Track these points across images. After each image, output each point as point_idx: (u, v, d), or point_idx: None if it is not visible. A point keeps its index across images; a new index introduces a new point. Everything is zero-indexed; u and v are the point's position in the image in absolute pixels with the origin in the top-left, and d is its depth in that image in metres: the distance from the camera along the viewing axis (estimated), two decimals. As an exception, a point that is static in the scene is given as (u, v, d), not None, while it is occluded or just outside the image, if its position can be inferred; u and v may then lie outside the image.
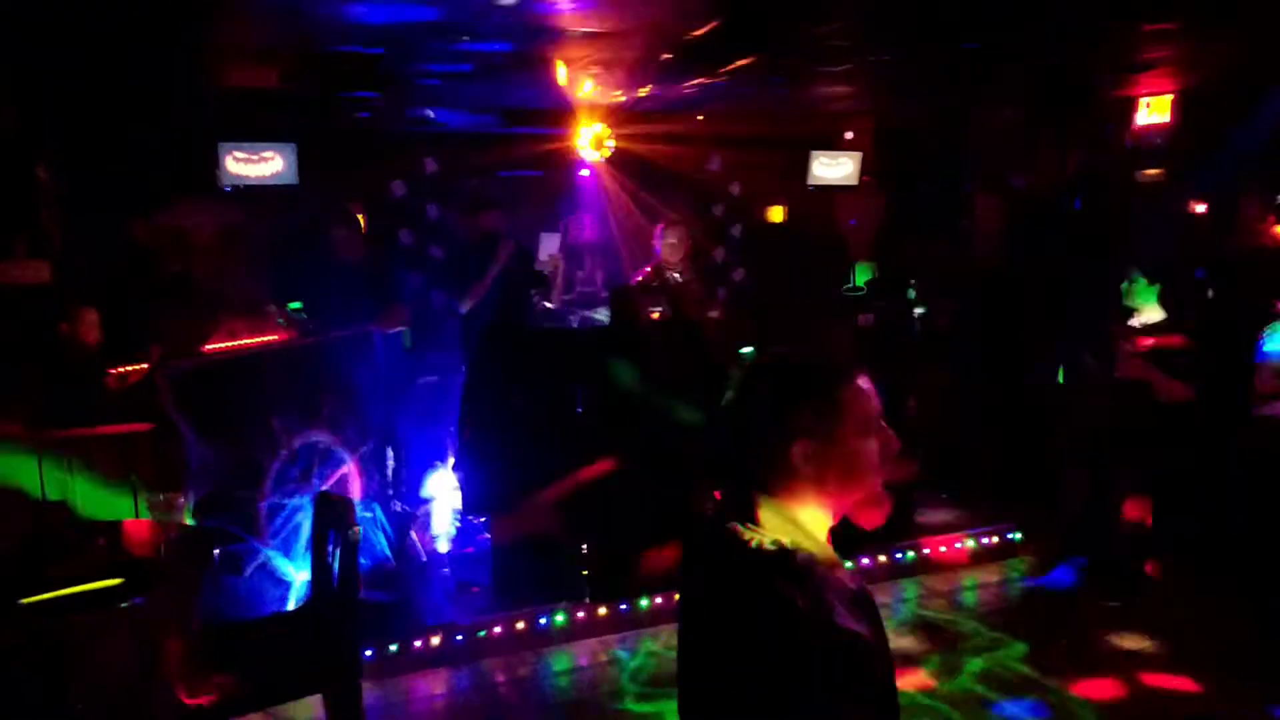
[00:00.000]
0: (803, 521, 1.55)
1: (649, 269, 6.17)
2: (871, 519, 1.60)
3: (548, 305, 6.55)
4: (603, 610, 4.85)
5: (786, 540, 1.51)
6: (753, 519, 1.56)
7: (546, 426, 5.11)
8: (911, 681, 4.29)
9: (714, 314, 6.27)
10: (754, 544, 1.51)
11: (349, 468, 4.84)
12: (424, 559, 5.37)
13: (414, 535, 5.45)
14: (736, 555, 1.53)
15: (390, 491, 5.38)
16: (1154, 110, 7.54)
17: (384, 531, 5.03)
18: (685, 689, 1.64)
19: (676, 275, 5.94)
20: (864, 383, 1.58)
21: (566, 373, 5.18)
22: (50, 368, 4.93)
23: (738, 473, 1.60)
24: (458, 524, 5.83)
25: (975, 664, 4.47)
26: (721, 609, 1.51)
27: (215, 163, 6.51)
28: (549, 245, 6.28)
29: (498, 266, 5.88)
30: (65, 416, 4.40)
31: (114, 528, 3.70)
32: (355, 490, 4.85)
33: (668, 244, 6.01)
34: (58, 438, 4.28)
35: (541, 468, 5.03)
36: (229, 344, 5.40)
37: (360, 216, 7.41)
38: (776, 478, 1.56)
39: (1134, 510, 5.51)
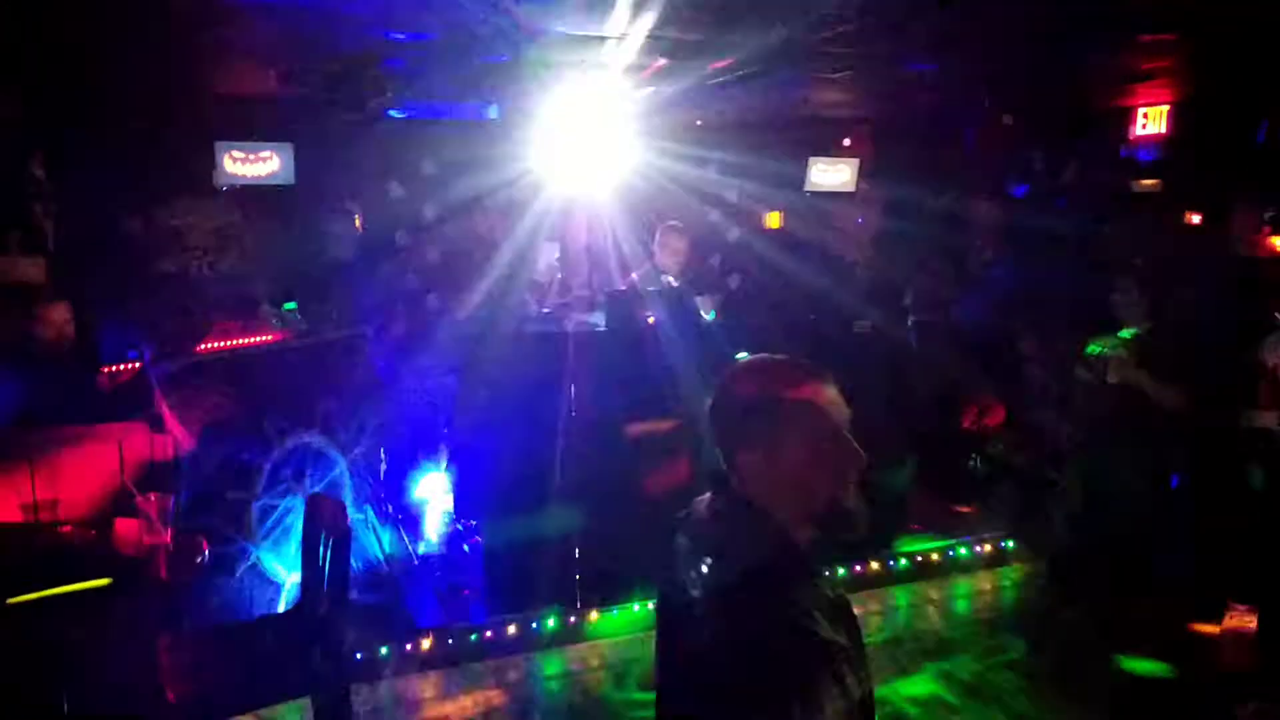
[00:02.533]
0: (778, 527, 1.54)
1: (637, 273, 6.15)
2: (845, 530, 1.58)
3: (541, 310, 6.53)
4: (594, 614, 4.84)
5: (763, 547, 1.51)
6: (730, 524, 1.56)
7: (539, 430, 5.10)
8: (901, 691, 4.29)
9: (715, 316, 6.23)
10: (731, 551, 1.51)
11: (341, 469, 4.83)
12: (415, 561, 5.36)
13: (405, 537, 5.44)
14: (714, 561, 1.53)
15: (382, 493, 5.36)
16: (1151, 121, 7.56)
17: (375, 534, 5.02)
18: (663, 695, 1.64)
19: (671, 280, 5.92)
20: (824, 392, 1.56)
21: (560, 376, 5.16)
22: (15, 365, 4.86)
23: (716, 478, 1.61)
24: (450, 527, 5.81)
25: (966, 674, 4.46)
26: (698, 616, 1.51)
27: (212, 162, 6.49)
28: (548, 255, 6.25)
29: (494, 272, 5.89)
30: (33, 414, 4.32)
31: (105, 527, 3.69)
32: (347, 492, 4.84)
33: (666, 248, 5.99)
34: (44, 435, 4.25)
35: (534, 471, 5.02)
36: (222, 344, 5.40)
37: (357, 217, 7.42)
38: (740, 484, 1.56)
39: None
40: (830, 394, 1.56)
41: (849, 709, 1.48)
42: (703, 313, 5.94)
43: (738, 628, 1.42)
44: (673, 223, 6.19)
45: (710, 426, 1.61)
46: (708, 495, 1.65)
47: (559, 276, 6.85)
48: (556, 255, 6.44)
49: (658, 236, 6.04)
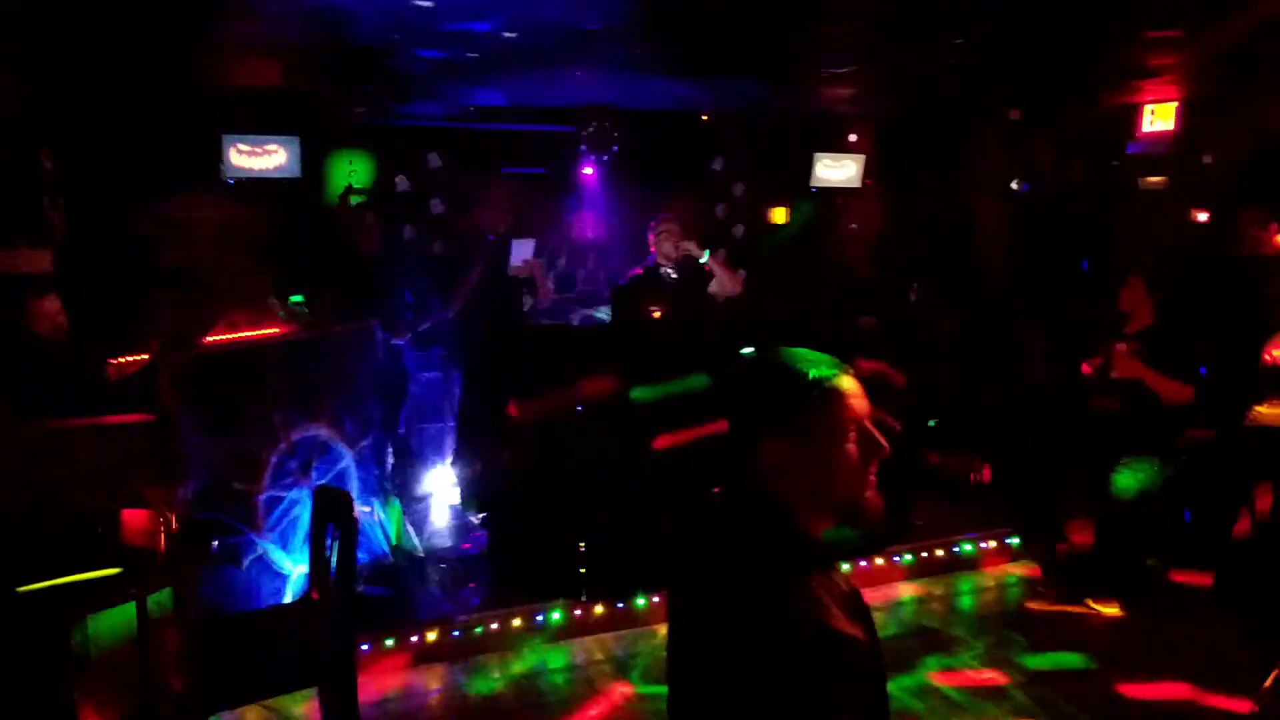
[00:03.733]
0: (795, 520, 1.54)
1: (640, 269, 6.14)
2: (863, 523, 1.57)
3: (538, 305, 6.47)
4: (599, 608, 4.86)
5: (779, 538, 1.51)
6: (746, 516, 1.55)
7: (546, 422, 5.11)
8: (907, 685, 4.29)
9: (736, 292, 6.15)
10: (747, 541, 1.51)
11: (348, 462, 4.84)
12: (421, 554, 5.38)
13: (411, 530, 5.46)
14: (728, 554, 1.53)
15: (389, 486, 5.37)
16: (1158, 117, 7.54)
17: (382, 526, 5.03)
18: (675, 687, 1.64)
19: (671, 273, 5.91)
20: (847, 384, 1.56)
21: (567, 371, 5.17)
22: (21, 357, 4.87)
23: (730, 470, 1.60)
24: (456, 519, 5.83)
25: (971, 669, 4.47)
26: (712, 608, 1.51)
27: (218, 155, 6.49)
28: (522, 251, 6.19)
29: (478, 268, 5.88)
30: (34, 407, 4.33)
31: (112, 518, 3.70)
32: (353, 485, 4.85)
33: (663, 241, 5.95)
34: (51, 427, 4.27)
35: (540, 463, 5.04)
36: (229, 336, 5.39)
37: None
38: (759, 476, 1.55)
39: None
40: (854, 385, 1.56)
41: (865, 703, 1.48)
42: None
43: (751, 620, 1.42)
44: (666, 215, 6.16)
45: (731, 415, 1.60)
46: (722, 486, 1.65)
47: (542, 271, 6.75)
48: (531, 251, 6.36)
49: (653, 230, 6.00)
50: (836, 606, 1.44)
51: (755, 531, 1.53)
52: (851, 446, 1.53)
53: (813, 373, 1.54)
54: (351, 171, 7.13)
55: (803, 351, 1.59)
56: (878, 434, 1.55)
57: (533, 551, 5.02)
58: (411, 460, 6.09)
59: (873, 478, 1.56)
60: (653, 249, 5.97)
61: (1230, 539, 4.99)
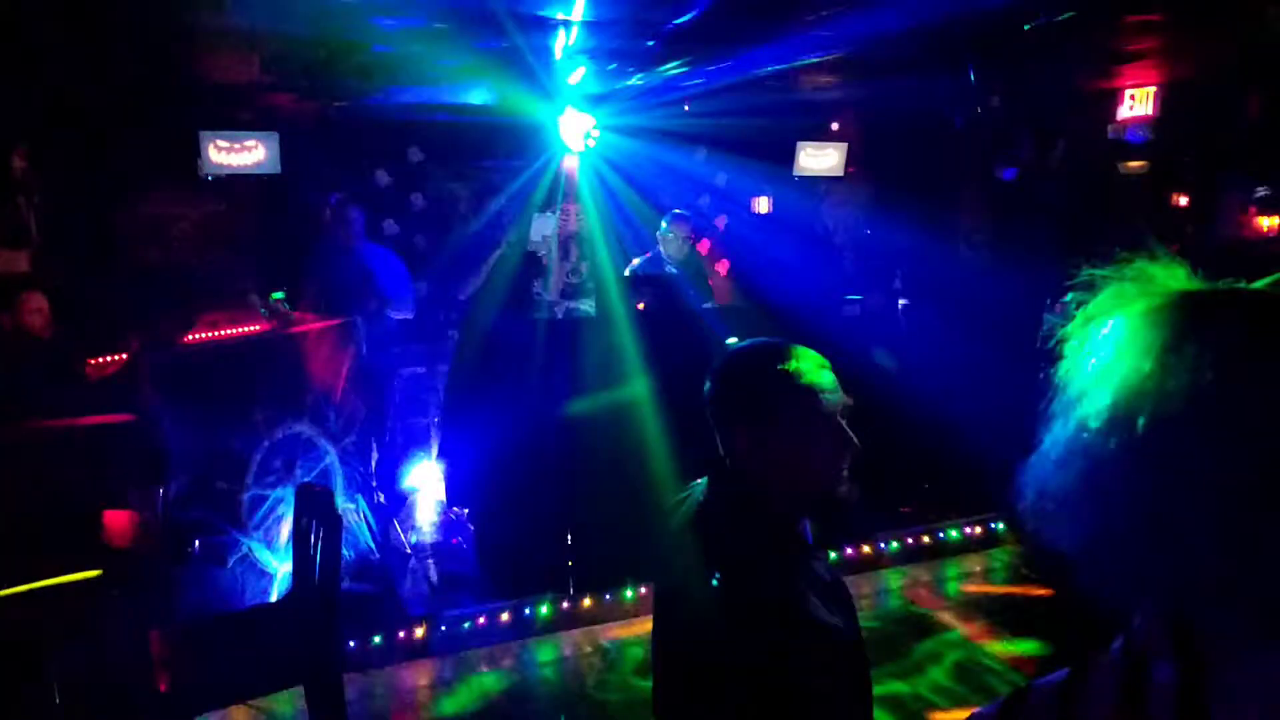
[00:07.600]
0: (770, 510, 1.54)
1: (638, 260, 6.11)
2: (836, 514, 1.58)
3: (546, 295, 6.43)
4: (588, 601, 4.85)
5: (759, 530, 1.51)
6: (727, 507, 1.56)
7: (530, 417, 5.09)
8: (891, 672, 4.31)
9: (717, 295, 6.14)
10: (727, 533, 1.51)
11: (332, 459, 4.81)
12: (407, 550, 5.36)
13: (397, 526, 5.44)
14: (709, 544, 1.53)
15: (373, 483, 5.35)
16: (1137, 102, 7.56)
17: (367, 523, 5.00)
18: (659, 680, 1.64)
19: (671, 268, 5.89)
20: (821, 377, 1.55)
21: (550, 364, 5.16)
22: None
23: (712, 461, 1.61)
24: (441, 515, 5.81)
25: (957, 654, 4.49)
26: (693, 599, 1.51)
27: (197, 151, 6.43)
28: (542, 227, 6.12)
29: (497, 252, 5.85)
30: (19, 405, 4.30)
31: (93, 519, 3.67)
32: (338, 482, 4.82)
33: (673, 237, 5.87)
34: (32, 427, 4.23)
35: (526, 458, 5.02)
36: (210, 334, 5.36)
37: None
38: (737, 465, 1.56)
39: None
40: (827, 380, 1.56)
41: (844, 691, 1.48)
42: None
43: (732, 611, 1.42)
44: (679, 211, 6.11)
45: (708, 409, 1.61)
46: (704, 479, 1.65)
47: (567, 259, 6.68)
48: (551, 228, 6.28)
49: (665, 225, 5.94)
50: (815, 595, 1.45)
51: (732, 521, 1.53)
52: (821, 441, 1.53)
53: (783, 366, 1.54)
54: None
55: (779, 344, 1.59)
56: (848, 430, 1.55)
57: (519, 545, 5.01)
58: (396, 456, 6.07)
59: (845, 471, 1.56)
60: (661, 243, 5.89)
61: None
